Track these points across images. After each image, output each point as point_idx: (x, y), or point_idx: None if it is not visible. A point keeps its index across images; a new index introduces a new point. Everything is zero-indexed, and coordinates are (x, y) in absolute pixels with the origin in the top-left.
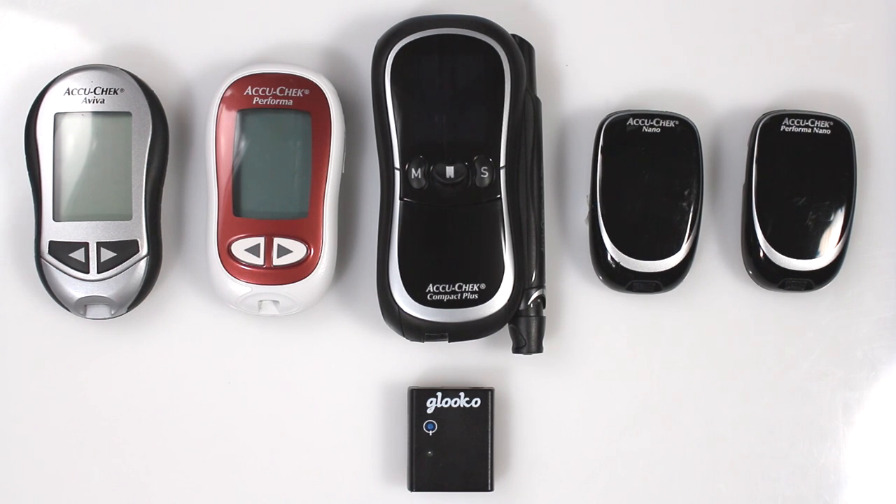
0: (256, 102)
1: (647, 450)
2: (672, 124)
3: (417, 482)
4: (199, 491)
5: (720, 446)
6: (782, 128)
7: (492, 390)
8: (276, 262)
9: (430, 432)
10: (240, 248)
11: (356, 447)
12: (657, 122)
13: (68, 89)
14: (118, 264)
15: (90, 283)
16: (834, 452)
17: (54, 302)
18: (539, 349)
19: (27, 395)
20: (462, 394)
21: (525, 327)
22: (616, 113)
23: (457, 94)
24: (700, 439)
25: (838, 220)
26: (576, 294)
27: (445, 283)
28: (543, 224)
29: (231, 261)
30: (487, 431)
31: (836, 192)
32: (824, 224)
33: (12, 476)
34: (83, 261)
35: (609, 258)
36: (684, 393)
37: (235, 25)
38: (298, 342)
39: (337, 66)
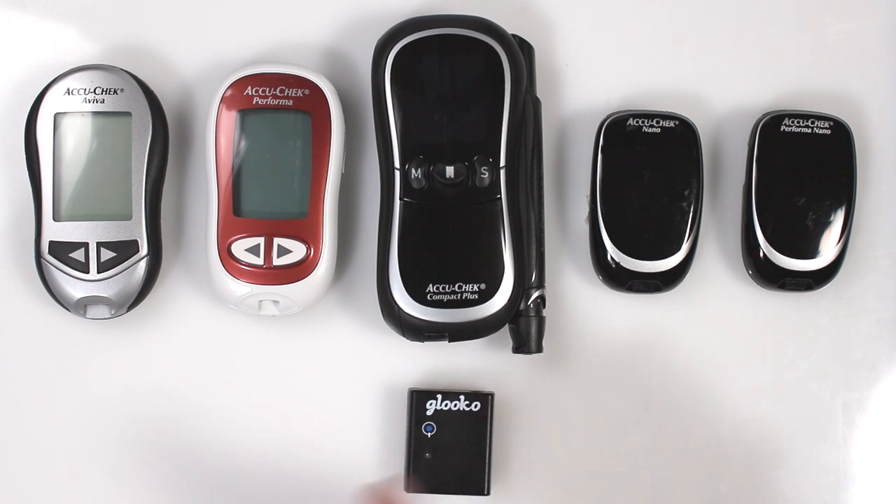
0: (256, 102)
1: (647, 450)
2: (672, 124)
3: (414, 484)
4: (198, 490)
5: (720, 446)
6: (782, 128)
7: (492, 394)
8: (276, 262)
9: (429, 434)
10: (240, 248)
11: (355, 447)
12: (657, 122)
13: (68, 89)
14: (118, 264)
15: (90, 283)
16: (834, 452)
17: (54, 302)
18: (539, 349)
19: (27, 395)
20: (462, 397)
21: (525, 327)
22: (616, 113)
23: (457, 94)
24: (700, 439)
25: (838, 220)
26: (576, 294)
27: (445, 283)
28: (543, 224)
29: (231, 261)
30: (486, 435)
31: (836, 192)
32: (824, 224)
33: (13, 475)
34: (83, 261)
35: (609, 258)
36: (684, 393)
37: (235, 25)
38: (298, 342)
39: (337, 66)
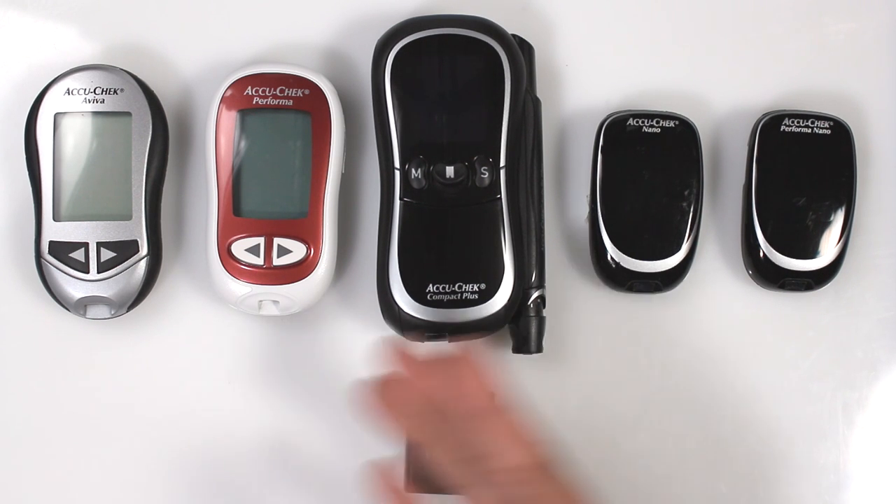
0: (256, 102)
1: (647, 450)
2: (672, 124)
3: (414, 484)
4: (198, 490)
5: (720, 446)
6: (782, 128)
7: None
8: (276, 262)
9: None
10: (240, 248)
11: (355, 447)
12: (657, 122)
13: (68, 89)
14: (118, 264)
15: (90, 283)
16: (834, 452)
17: (54, 302)
18: (539, 349)
19: (27, 395)
20: None
21: (525, 327)
22: (616, 113)
23: (457, 94)
24: (700, 439)
25: (838, 220)
26: (576, 294)
27: (445, 283)
28: (543, 224)
29: (231, 261)
30: None
31: (836, 192)
32: (824, 224)
33: (12, 475)
34: (83, 261)
35: (609, 258)
36: (684, 393)
37: (235, 25)
38: (298, 342)
39: (337, 66)
